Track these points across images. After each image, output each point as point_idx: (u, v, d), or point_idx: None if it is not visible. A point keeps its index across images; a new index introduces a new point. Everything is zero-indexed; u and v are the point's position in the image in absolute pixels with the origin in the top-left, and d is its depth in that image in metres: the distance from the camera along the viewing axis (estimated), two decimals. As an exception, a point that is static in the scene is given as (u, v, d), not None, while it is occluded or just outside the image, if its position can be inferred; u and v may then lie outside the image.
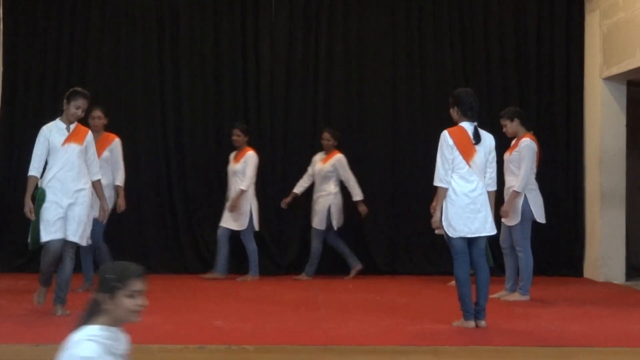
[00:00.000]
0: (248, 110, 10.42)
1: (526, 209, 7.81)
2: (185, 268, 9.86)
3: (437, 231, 6.85)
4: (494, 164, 6.58)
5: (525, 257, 7.84)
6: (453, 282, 9.21)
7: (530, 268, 7.88)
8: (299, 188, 9.86)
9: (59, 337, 5.72)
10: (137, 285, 3.45)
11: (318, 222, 9.62)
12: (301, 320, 6.76)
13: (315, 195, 9.71)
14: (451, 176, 6.36)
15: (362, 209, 9.70)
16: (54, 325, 6.30)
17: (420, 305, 7.76)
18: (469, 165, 6.37)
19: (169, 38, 10.44)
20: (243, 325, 6.39)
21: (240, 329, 6.24)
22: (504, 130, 8.08)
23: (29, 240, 6.80)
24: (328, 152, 9.73)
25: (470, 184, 6.37)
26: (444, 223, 6.39)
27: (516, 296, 7.90)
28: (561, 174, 10.34)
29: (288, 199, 9.86)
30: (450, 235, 6.39)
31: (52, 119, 10.06)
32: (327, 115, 10.47)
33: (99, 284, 3.50)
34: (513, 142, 8.06)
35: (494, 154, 6.55)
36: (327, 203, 9.59)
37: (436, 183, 6.43)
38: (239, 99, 10.46)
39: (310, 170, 9.83)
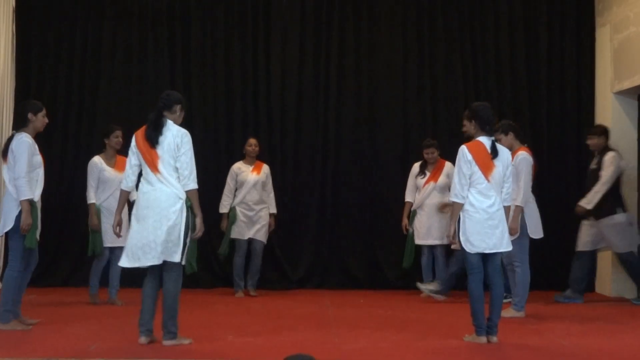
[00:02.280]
0: (259, 124, 10.46)
1: (522, 224, 7.73)
2: (196, 282, 9.85)
3: (453, 246, 6.82)
4: (511, 179, 6.56)
5: (522, 272, 7.76)
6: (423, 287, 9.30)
7: (527, 283, 7.82)
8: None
9: (69, 351, 5.76)
10: None
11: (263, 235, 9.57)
12: (312, 335, 6.74)
13: (259, 207, 9.57)
14: (469, 191, 6.35)
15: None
16: (65, 339, 6.32)
17: (431, 320, 7.73)
18: (488, 181, 6.34)
19: (180, 51, 10.52)
20: (254, 340, 6.39)
21: (251, 344, 6.24)
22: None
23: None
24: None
25: (489, 199, 6.35)
26: (461, 238, 6.35)
27: (511, 312, 7.77)
28: (572, 188, 10.31)
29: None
30: (467, 250, 6.36)
31: (63, 133, 10.31)
32: (338, 129, 10.49)
33: None
34: None
35: (511, 168, 6.54)
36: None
37: (452, 198, 6.42)
38: (250, 113, 10.51)
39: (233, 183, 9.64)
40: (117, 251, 8.49)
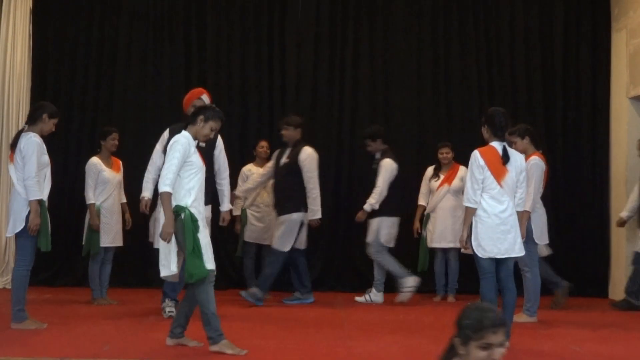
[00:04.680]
0: (273, 127, 10.46)
1: (529, 229, 7.67)
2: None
3: (463, 250, 6.81)
4: (525, 184, 6.54)
5: (533, 277, 7.73)
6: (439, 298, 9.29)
7: (538, 288, 7.79)
8: None
9: (83, 351, 5.78)
10: (492, 338, 3.29)
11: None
12: (324, 338, 6.73)
13: (270, 209, 9.30)
14: (481, 196, 6.33)
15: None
16: (79, 339, 6.34)
17: (444, 324, 7.68)
18: (500, 186, 6.33)
19: (195, 53, 10.56)
20: (265, 343, 6.39)
21: (262, 347, 6.24)
22: (514, 147, 7.98)
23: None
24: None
25: (501, 204, 6.34)
26: (473, 243, 6.35)
27: (523, 317, 7.73)
28: (587, 193, 10.28)
29: None
30: (479, 255, 6.34)
31: (78, 133, 10.35)
32: (353, 132, 10.49)
33: (456, 326, 3.35)
34: None
35: (524, 174, 6.51)
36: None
37: (465, 203, 6.42)
38: (264, 115, 10.54)
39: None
40: (110, 251, 8.59)
